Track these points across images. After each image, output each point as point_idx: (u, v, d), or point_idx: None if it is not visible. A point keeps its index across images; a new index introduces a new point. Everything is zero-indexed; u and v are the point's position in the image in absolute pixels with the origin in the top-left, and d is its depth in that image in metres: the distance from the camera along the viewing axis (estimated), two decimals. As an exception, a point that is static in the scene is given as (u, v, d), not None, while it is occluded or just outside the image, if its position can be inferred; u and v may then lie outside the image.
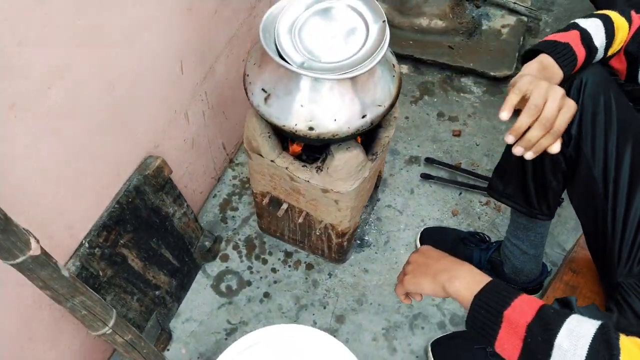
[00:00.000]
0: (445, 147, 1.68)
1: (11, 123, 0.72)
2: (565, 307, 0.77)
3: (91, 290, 0.78)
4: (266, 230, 1.45)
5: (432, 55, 1.86)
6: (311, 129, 0.94)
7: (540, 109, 0.75)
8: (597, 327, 0.58)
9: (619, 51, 0.90)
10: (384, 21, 0.95)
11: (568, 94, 0.90)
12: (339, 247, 1.33)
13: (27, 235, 0.65)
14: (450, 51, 1.88)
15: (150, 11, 0.95)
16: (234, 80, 1.41)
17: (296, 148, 1.17)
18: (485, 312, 0.65)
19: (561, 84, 0.88)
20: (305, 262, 1.43)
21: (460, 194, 1.58)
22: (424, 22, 1.88)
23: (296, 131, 0.95)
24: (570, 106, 0.76)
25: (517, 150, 0.79)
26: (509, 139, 0.79)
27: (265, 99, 0.96)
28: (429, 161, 1.63)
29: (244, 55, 1.42)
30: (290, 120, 0.94)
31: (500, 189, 1.15)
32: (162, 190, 1.13)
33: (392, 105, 0.99)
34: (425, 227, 1.48)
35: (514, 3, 1.98)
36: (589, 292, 1.17)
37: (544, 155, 0.80)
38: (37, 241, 0.66)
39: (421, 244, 1.45)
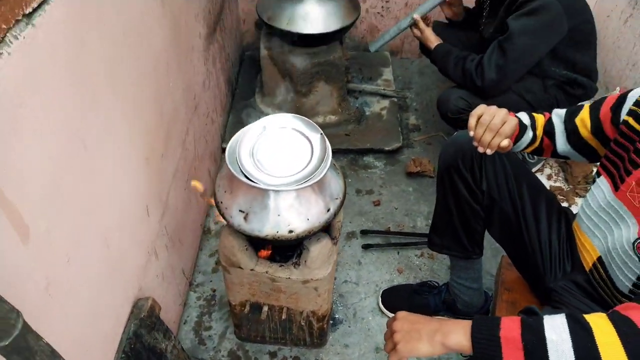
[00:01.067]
0: (372, 217, 1.93)
1: (47, 301, 0.77)
2: (532, 314, 0.98)
3: None
4: (246, 339, 1.51)
5: (335, 145, 2.13)
6: (290, 231, 1.10)
7: (488, 123, 1.06)
8: (565, 316, 0.79)
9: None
10: (321, 134, 1.18)
11: (472, 158, 1.20)
12: (320, 331, 1.44)
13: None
14: (348, 138, 2.20)
15: (122, 165, 1.07)
16: (182, 208, 1.52)
17: (265, 252, 1.31)
18: (486, 341, 0.80)
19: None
20: (291, 357, 1.50)
21: (398, 253, 1.81)
22: (320, 119, 2.19)
23: (278, 237, 1.10)
24: (512, 120, 1.08)
25: (479, 149, 1.09)
26: (475, 143, 1.10)
27: (245, 218, 1.10)
28: (364, 232, 1.85)
29: (185, 184, 1.55)
30: (271, 230, 1.09)
31: (439, 242, 1.41)
32: (154, 329, 1.17)
33: (344, 195, 1.20)
34: (381, 290, 1.67)
35: (383, 89, 2.41)
36: (526, 302, 1.42)
37: (499, 149, 1.08)
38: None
39: (384, 306, 1.62)
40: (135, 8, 1.11)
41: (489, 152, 1.08)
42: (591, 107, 1.11)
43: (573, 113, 1.14)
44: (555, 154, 1.19)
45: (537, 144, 1.18)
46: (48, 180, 0.78)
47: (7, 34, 0.68)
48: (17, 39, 0.69)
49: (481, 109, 1.09)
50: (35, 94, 0.74)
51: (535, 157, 2.09)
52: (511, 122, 1.07)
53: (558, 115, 1.17)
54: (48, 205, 0.78)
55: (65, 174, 0.82)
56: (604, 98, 1.09)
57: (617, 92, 2.18)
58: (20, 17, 0.71)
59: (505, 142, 1.07)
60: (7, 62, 0.67)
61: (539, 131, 1.17)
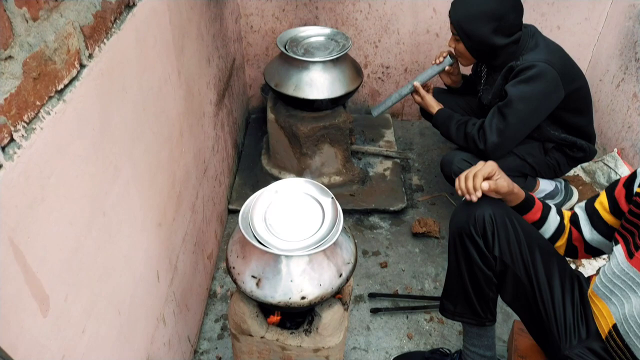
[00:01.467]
0: (379, 280, 1.91)
1: (60, 374, 0.75)
2: None
3: None
4: (252, 410, 1.45)
5: (340, 205, 2.17)
6: (303, 298, 1.09)
7: (465, 174, 1.20)
8: None
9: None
10: (332, 198, 1.20)
11: (484, 224, 1.21)
12: (330, 401, 1.38)
13: None
14: (353, 198, 2.22)
15: (136, 231, 1.07)
16: (190, 273, 1.51)
17: (275, 318, 1.28)
18: None
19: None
20: None
21: (407, 317, 1.77)
22: (325, 180, 2.22)
23: (290, 304, 1.08)
24: (488, 163, 1.19)
25: (467, 198, 1.20)
26: (460, 193, 1.21)
27: (257, 284, 1.09)
28: (372, 296, 1.83)
29: (193, 248, 1.55)
30: (284, 296, 1.08)
31: (452, 309, 1.39)
32: (160, 400, 1.13)
33: (356, 260, 1.20)
34: (392, 357, 1.62)
35: (386, 151, 2.46)
36: (540, 370, 1.39)
37: (484, 192, 1.18)
38: None
39: (394, 374, 1.57)
40: (155, 80, 1.16)
41: (474, 198, 1.18)
42: (607, 189, 1.20)
43: (592, 199, 1.24)
44: (588, 248, 1.25)
45: (566, 233, 1.26)
46: (68, 248, 0.78)
47: (41, 110, 0.71)
48: (49, 114, 0.73)
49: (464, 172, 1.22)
50: (63, 164, 0.76)
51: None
52: (487, 166, 1.19)
53: (580, 206, 1.27)
54: (67, 273, 0.78)
55: (85, 241, 0.83)
56: (619, 179, 1.17)
57: (615, 153, 2.23)
58: (52, 94, 0.74)
59: (485, 185, 1.16)
60: (40, 136, 0.70)
61: (566, 220, 1.26)
